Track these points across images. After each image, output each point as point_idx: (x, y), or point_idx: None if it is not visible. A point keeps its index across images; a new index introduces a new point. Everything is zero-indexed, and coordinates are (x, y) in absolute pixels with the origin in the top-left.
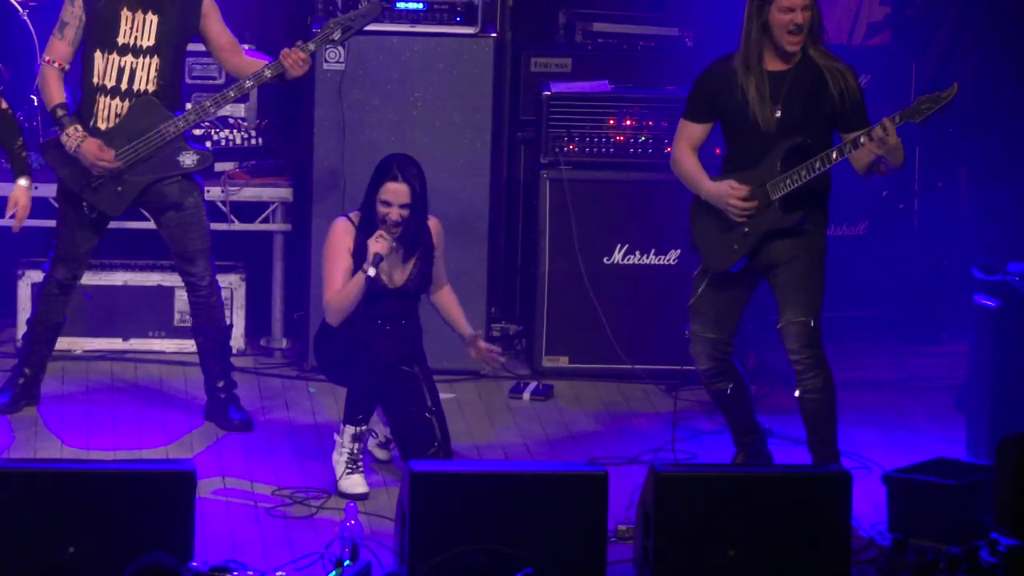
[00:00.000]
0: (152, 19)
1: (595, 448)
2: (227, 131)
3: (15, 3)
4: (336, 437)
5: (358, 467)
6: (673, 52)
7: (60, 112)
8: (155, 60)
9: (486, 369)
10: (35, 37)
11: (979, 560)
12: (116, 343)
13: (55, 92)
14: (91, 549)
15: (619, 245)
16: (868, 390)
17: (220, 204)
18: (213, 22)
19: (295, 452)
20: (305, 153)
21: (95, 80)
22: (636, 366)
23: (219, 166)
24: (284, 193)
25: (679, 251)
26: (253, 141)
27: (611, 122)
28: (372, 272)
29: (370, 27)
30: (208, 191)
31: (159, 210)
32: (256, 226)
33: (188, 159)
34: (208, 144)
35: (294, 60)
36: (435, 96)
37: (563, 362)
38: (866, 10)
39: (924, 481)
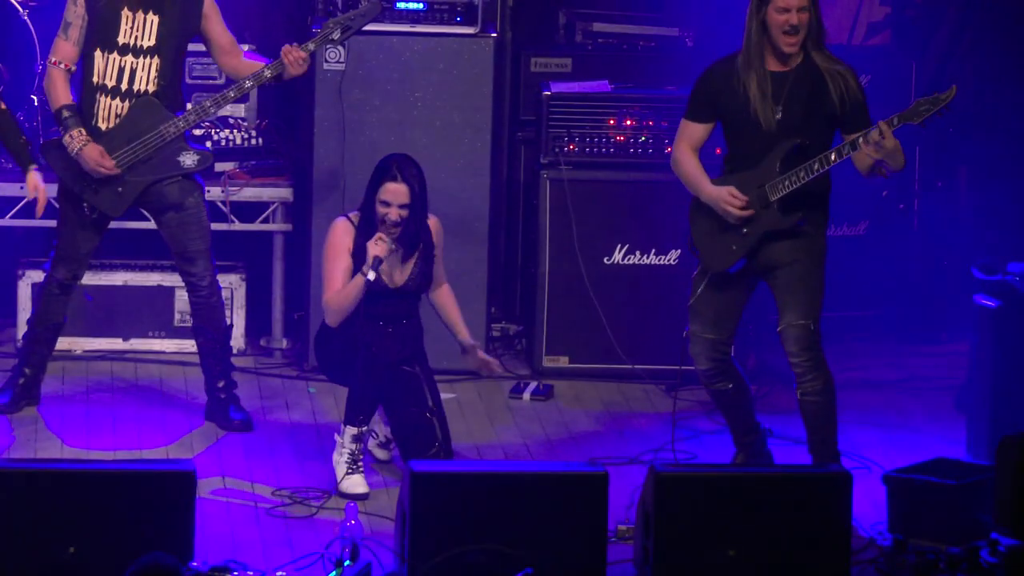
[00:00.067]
0: (153, 19)
1: (595, 448)
2: (227, 131)
3: (15, 3)
4: (336, 437)
5: (358, 467)
6: (673, 52)
7: (66, 114)
8: (155, 60)
9: (484, 372)
10: (35, 37)
11: (979, 560)
12: (116, 343)
13: (61, 93)
14: (91, 549)
15: (619, 245)
16: (868, 390)
17: (220, 204)
18: (214, 23)
19: (295, 452)
20: (305, 153)
21: (95, 80)
22: (636, 366)
23: (219, 166)
24: (284, 193)
25: (679, 251)
26: (253, 141)
27: (611, 122)
28: (372, 276)
29: (370, 27)
30: (208, 191)
31: (160, 210)
32: (256, 226)
33: (188, 159)
34: (208, 144)
35: (294, 58)
36: (435, 96)
37: (563, 362)
38: (866, 10)
39: (924, 481)
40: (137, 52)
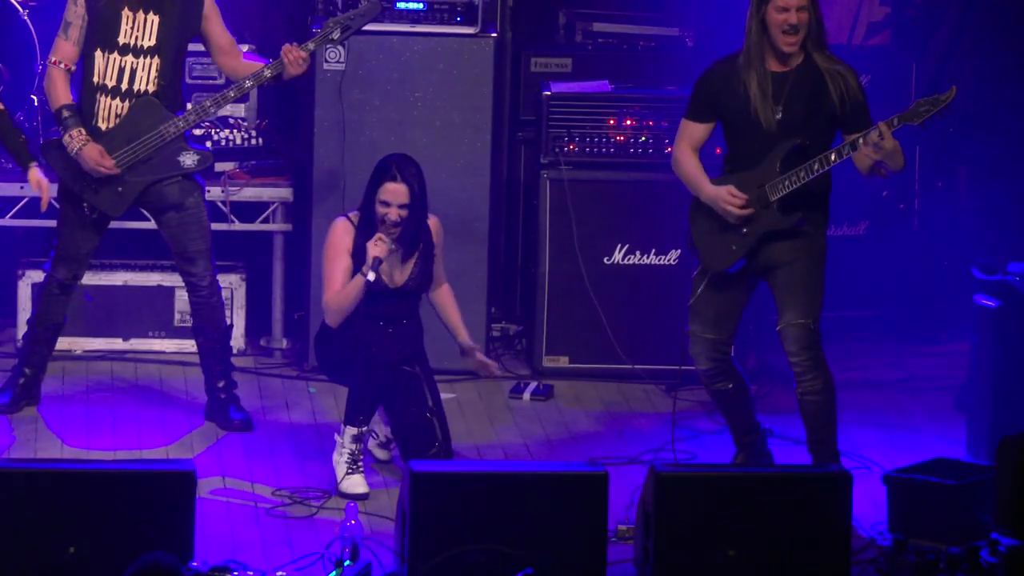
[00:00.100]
0: (153, 19)
1: (595, 448)
2: (227, 131)
3: (15, 3)
4: (336, 437)
5: (358, 467)
6: (673, 52)
7: (66, 113)
8: (156, 60)
9: (483, 374)
10: (35, 37)
11: (979, 560)
12: (116, 343)
13: (61, 93)
14: (91, 549)
15: (619, 245)
16: (868, 390)
17: (220, 204)
18: (214, 24)
19: (295, 452)
20: (305, 153)
21: (95, 80)
22: (636, 366)
23: (219, 166)
24: (284, 193)
25: (679, 251)
26: (253, 141)
27: (611, 122)
28: (371, 277)
29: (370, 27)
30: (208, 191)
31: (160, 210)
32: (256, 226)
33: (188, 159)
34: (208, 144)
35: (294, 58)
36: (435, 96)
37: (563, 362)
38: (866, 10)
39: (924, 481)
40: (137, 52)
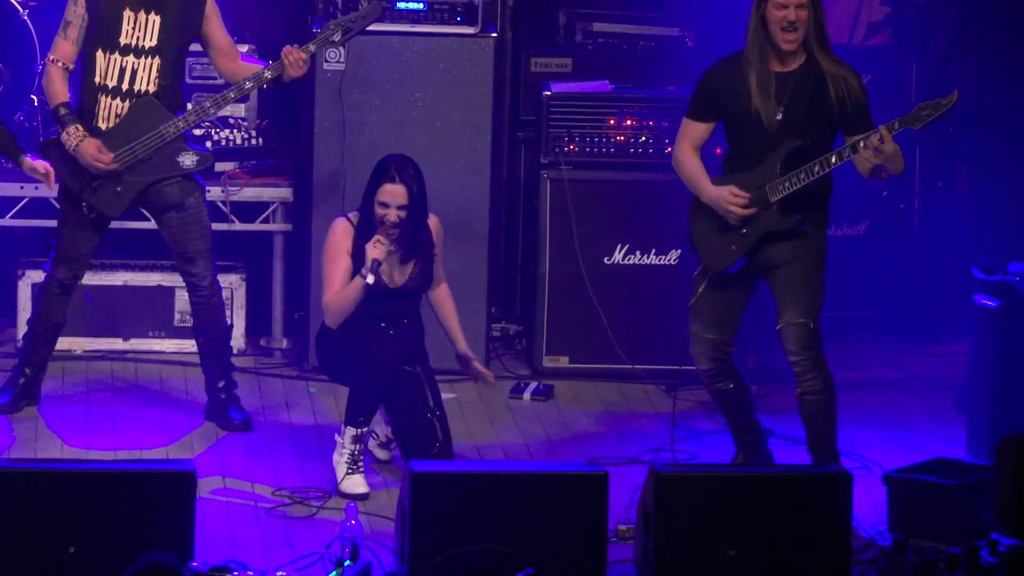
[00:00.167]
0: (155, 19)
1: (595, 448)
2: (227, 131)
3: (15, 3)
4: (337, 438)
5: (359, 467)
6: (673, 52)
7: (63, 111)
8: (156, 61)
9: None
10: (35, 37)
11: (979, 560)
12: (116, 343)
13: (59, 91)
14: (91, 549)
15: (619, 245)
16: (868, 390)
17: (220, 204)
18: (215, 25)
19: (295, 452)
20: (305, 153)
21: (96, 80)
22: (636, 366)
23: (219, 166)
24: (284, 193)
25: (679, 251)
26: (253, 141)
27: (611, 122)
28: (371, 279)
29: (370, 27)
30: (208, 191)
31: (160, 210)
32: (256, 226)
33: (188, 160)
34: (208, 144)
35: (294, 59)
36: (435, 96)
37: (563, 362)
38: (866, 10)
39: (924, 481)
40: (138, 52)
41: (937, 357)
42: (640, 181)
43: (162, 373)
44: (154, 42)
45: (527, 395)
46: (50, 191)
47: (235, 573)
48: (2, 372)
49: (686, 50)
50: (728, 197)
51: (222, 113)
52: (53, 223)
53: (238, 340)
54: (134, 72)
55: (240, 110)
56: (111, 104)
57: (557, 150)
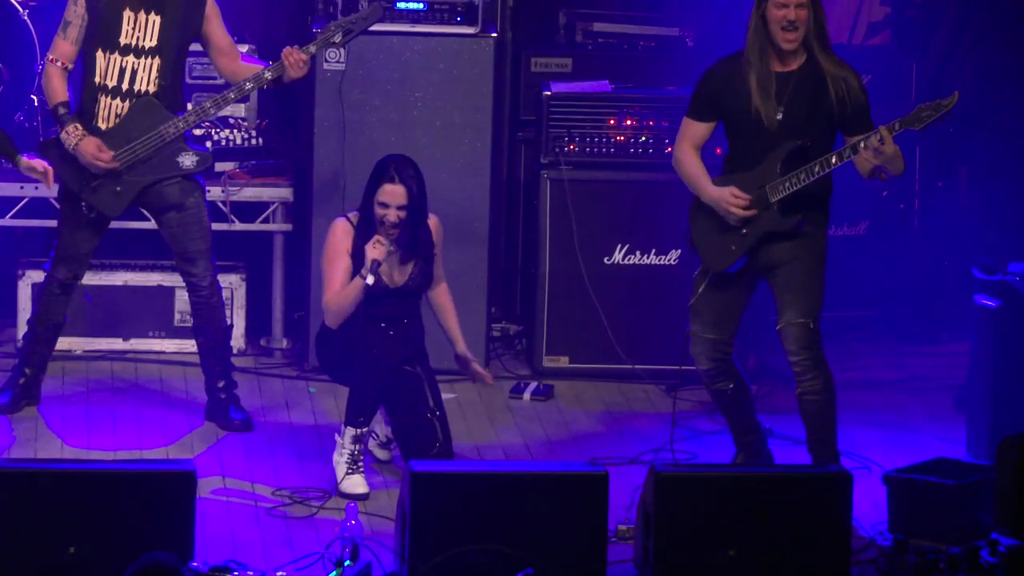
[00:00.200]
0: (155, 19)
1: (596, 448)
2: (227, 131)
3: (15, 3)
4: (337, 438)
5: (359, 468)
6: (673, 52)
7: (62, 110)
8: (157, 61)
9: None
10: (35, 37)
11: (979, 560)
12: (116, 343)
13: (58, 90)
14: (91, 549)
15: (619, 245)
16: (868, 390)
17: (220, 204)
18: (215, 25)
19: (295, 452)
20: (305, 153)
21: (96, 80)
22: (636, 366)
23: (219, 166)
24: (284, 193)
25: (679, 251)
26: (253, 141)
27: (611, 122)
28: (370, 281)
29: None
30: (208, 191)
31: (160, 210)
32: (256, 226)
33: (187, 160)
34: (208, 144)
35: (295, 60)
36: (435, 96)
37: (563, 362)
38: (866, 10)
39: (924, 481)
40: (139, 52)
41: (937, 357)
42: (640, 181)
43: (162, 373)
44: (154, 42)
45: (527, 395)
46: (49, 191)
47: (235, 573)
48: (2, 372)
49: (686, 50)
50: (729, 199)
51: (222, 113)
52: (53, 223)
53: (238, 340)
54: (134, 72)
55: (240, 110)
56: (111, 104)
57: (557, 150)
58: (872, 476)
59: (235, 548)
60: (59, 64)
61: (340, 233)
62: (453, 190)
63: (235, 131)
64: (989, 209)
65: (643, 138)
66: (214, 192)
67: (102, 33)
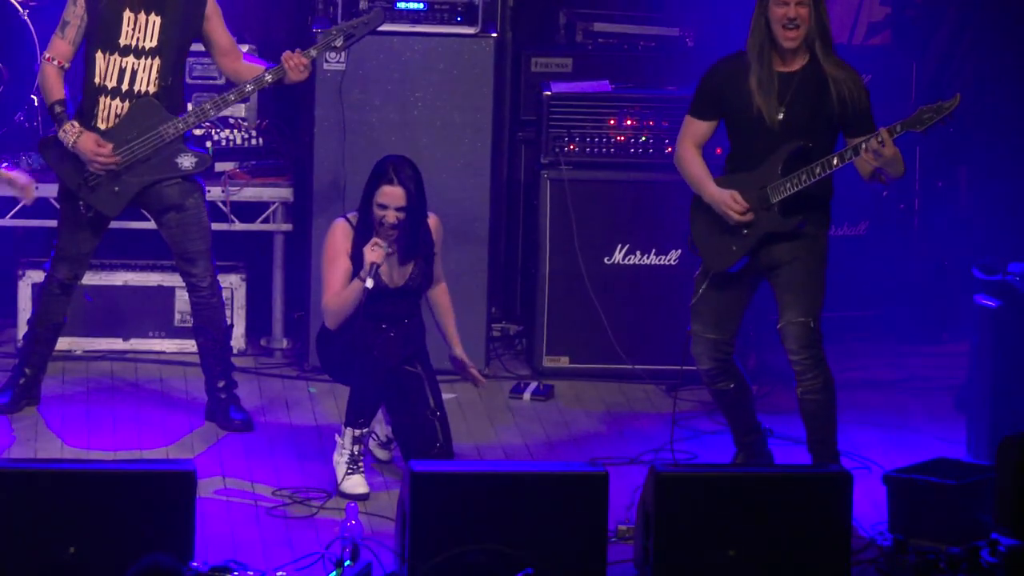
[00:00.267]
0: (155, 20)
1: (596, 448)
2: (227, 131)
3: (15, 3)
4: (337, 438)
5: (359, 468)
6: (673, 52)
7: (58, 109)
8: (157, 61)
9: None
10: (35, 37)
11: (979, 560)
12: (116, 343)
13: (54, 89)
14: (91, 549)
15: (619, 245)
16: (868, 390)
17: (220, 204)
18: (215, 25)
19: (295, 452)
20: (305, 153)
21: (96, 81)
22: (637, 366)
23: (219, 166)
24: (284, 193)
25: (679, 251)
26: (253, 141)
27: (611, 122)
28: (370, 284)
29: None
30: (208, 191)
31: (160, 211)
32: (256, 226)
33: (186, 161)
34: (208, 144)
35: (295, 64)
36: (435, 96)
37: (563, 362)
38: (866, 10)
39: (924, 481)
40: (139, 53)
41: (937, 357)
42: (640, 181)
43: (162, 373)
44: (154, 43)
45: (527, 395)
46: (28, 200)
47: (235, 573)
48: (2, 372)
49: (686, 50)
50: (728, 202)
51: (222, 113)
52: (53, 223)
53: (238, 340)
54: (134, 73)
55: (240, 110)
56: (111, 105)
57: (557, 150)
58: (872, 476)
59: (235, 548)
60: (55, 63)
61: (339, 234)
62: (453, 190)
63: (235, 131)
64: (989, 209)
65: (643, 138)
66: (214, 192)
67: (102, 34)
